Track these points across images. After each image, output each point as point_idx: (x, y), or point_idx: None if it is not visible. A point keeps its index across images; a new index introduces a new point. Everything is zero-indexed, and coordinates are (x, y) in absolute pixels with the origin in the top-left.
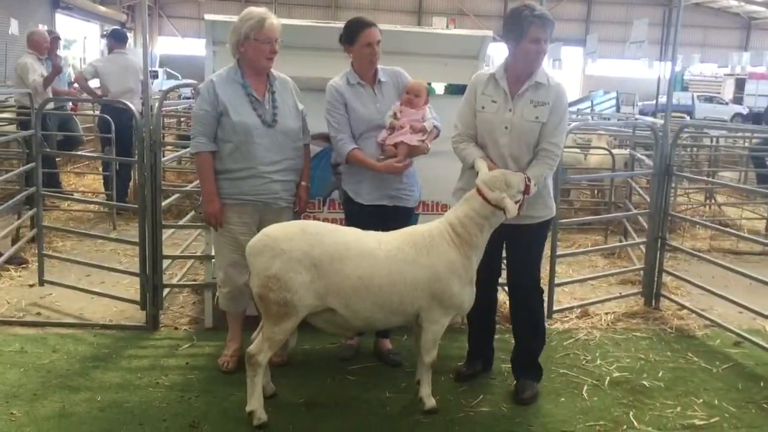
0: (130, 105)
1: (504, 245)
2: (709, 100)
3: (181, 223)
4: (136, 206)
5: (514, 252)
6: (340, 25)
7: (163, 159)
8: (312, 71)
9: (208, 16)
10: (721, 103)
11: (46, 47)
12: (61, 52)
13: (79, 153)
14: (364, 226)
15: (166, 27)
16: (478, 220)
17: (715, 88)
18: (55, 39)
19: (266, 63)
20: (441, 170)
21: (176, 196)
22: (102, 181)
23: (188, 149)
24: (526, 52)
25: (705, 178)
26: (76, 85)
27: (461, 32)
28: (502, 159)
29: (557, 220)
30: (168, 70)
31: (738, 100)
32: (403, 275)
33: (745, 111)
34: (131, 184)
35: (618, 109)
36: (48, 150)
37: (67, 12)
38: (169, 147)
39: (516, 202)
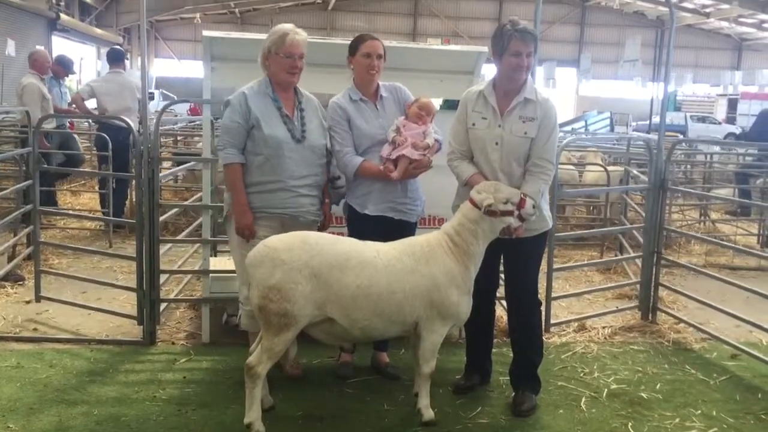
0: (129, 121)
1: (502, 258)
2: (702, 119)
3: (178, 238)
4: (134, 221)
5: (512, 264)
6: (340, 41)
7: (160, 175)
8: (311, 87)
9: (206, 33)
10: (714, 123)
11: (47, 67)
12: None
13: (77, 169)
14: (368, 239)
15: (162, 49)
16: (470, 226)
17: (708, 108)
18: (64, 68)
19: (286, 77)
20: (440, 185)
21: (174, 211)
22: (98, 199)
23: (184, 166)
24: (508, 65)
25: (699, 192)
26: (74, 106)
27: (457, 48)
28: (493, 174)
29: (553, 234)
30: (164, 91)
31: (731, 119)
32: (402, 284)
33: (737, 131)
34: (128, 202)
35: (612, 129)
36: (45, 166)
37: (64, 34)
38: (166, 165)
39: (510, 213)
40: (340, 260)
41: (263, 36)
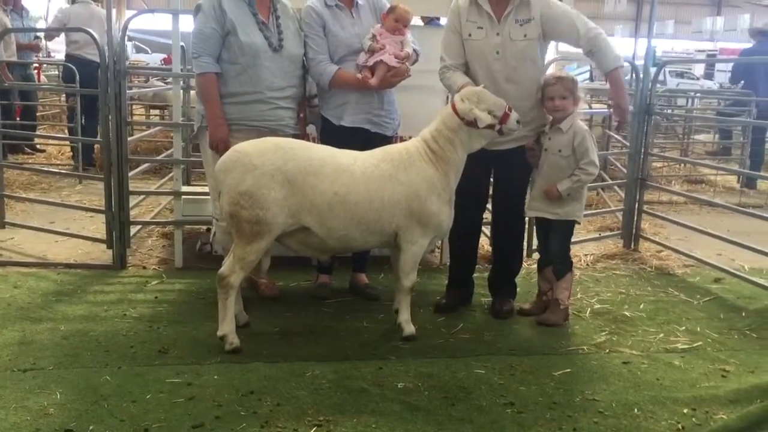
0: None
1: (492, 171)
2: (681, 75)
3: (146, 157)
4: (100, 140)
5: (501, 173)
6: None
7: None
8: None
9: None
10: (692, 78)
11: None
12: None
13: (41, 85)
14: None
15: (134, 2)
16: (447, 134)
17: (687, 64)
18: None
19: None
20: (416, 105)
21: (144, 133)
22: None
23: (155, 89)
24: None
25: (682, 114)
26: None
27: None
28: (496, 85)
29: None
30: (137, 43)
31: (709, 75)
32: (381, 192)
33: (716, 86)
34: (97, 148)
35: (592, 81)
36: (6, 84)
37: None
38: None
39: (491, 127)
40: (315, 166)
41: None
